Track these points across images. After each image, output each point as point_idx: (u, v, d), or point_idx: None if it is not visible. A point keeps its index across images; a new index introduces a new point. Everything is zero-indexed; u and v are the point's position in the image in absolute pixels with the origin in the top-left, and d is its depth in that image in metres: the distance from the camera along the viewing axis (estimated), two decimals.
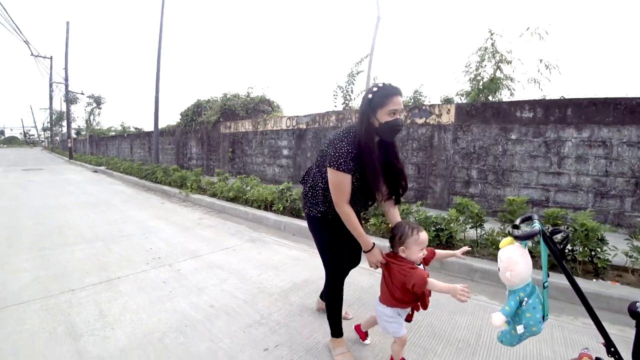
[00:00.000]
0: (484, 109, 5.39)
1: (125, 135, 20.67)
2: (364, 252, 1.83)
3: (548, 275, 1.46)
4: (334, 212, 1.80)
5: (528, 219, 1.60)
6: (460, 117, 5.60)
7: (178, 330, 2.09)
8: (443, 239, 3.41)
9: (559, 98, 5.20)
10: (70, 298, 2.49)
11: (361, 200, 1.85)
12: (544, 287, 1.43)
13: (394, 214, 1.91)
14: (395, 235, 1.71)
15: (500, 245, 1.52)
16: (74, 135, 31.02)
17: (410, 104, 6.32)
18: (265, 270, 3.13)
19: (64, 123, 37.22)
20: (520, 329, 1.42)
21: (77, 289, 2.65)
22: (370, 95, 1.64)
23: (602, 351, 1.40)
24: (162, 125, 13.79)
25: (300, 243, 4.07)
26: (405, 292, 1.63)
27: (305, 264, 3.32)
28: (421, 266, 1.69)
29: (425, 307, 1.71)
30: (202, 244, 3.94)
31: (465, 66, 6.29)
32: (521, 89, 6.25)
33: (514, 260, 1.43)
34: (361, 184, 1.75)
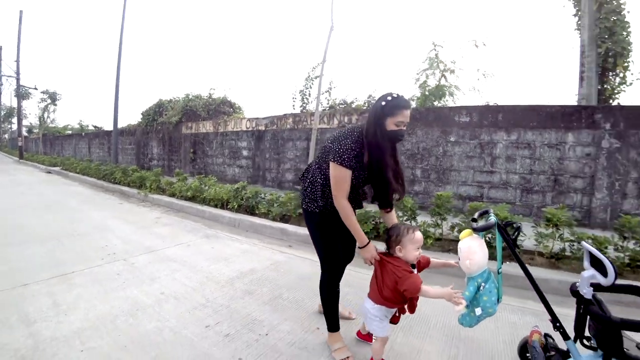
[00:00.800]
0: (427, 114, 5.93)
1: (83, 134, 19.88)
2: (359, 247, 1.86)
3: (502, 263, 1.64)
4: (332, 208, 1.84)
5: (485, 213, 1.75)
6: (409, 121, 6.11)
7: (129, 314, 2.32)
8: (381, 230, 3.83)
9: (492, 104, 5.83)
10: (23, 292, 2.62)
11: (357, 198, 1.93)
12: (498, 273, 1.58)
13: (392, 217, 2.00)
14: (392, 236, 1.75)
15: (460, 236, 1.65)
16: (25, 134, 29.30)
17: (363, 107, 6.79)
18: (216, 262, 3.39)
19: (15, 120, 35.10)
20: (478, 310, 1.56)
21: (30, 283, 2.77)
22: (383, 103, 1.72)
23: (550, 328, 1.58)
24: (122, 124, 13.52)
25: (252, 238, 4.34)
26: (395, 293, 1.67)
27: (254, 256, 3.61)
28: (415, 270, 1.73)
29: (412, 310, 1.76)
30: (157, 240, 4.12)
31: (416, 74, 6.87)
32: (462, 95, 6.91)
33: (473, 250, 1.57)
34: (358, 182, 1.82)
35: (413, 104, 7.16)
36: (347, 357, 1.87)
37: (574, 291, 1.50)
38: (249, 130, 8.58)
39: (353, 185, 1.80)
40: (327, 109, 7.43)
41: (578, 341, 1.50)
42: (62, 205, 6.27)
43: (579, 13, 8.28)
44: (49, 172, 13.06)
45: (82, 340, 1.99)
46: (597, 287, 1.43)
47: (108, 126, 20.12)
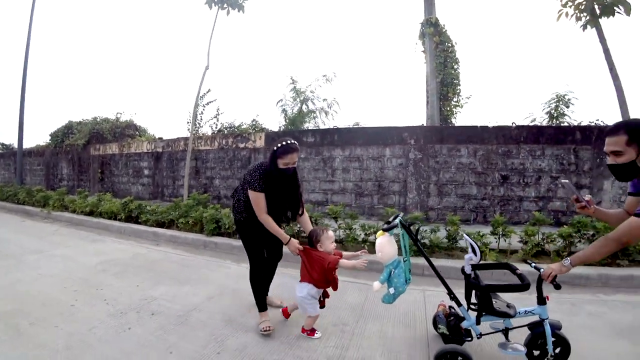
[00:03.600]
0: (284, 135, 7.80)
1: None
2: (284, 245, 2.54)
3: (407, 254, 2.21)
4: (254, 218, 2.52)
5: (395, 218, 2.26)
6: (268, 141, 7.98)
7: (9, 286, 3.67)
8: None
9: (330, 127, 7.90)
10: None
11: (277, 210, 2.58)
12: (404, 261, 2.15)
13: (305, 222, 2.73)
14: (312, 237, 2.49)
15: (377, 236, 2.21)
16: None
17: (235, 131, 8.56)
18: (91, 256, 4.72)
19: None
20: (392, 290, 2.10)
21: None
22: (275, 148, 2.41)
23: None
24: (32, 143, 13.90)
25: (131, 240, 5.76)
26: (321, 274, 2.35)
27: (123, 251, 5.03)
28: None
29: (335, 287, 2.45)
30: (50, 245, 5.35)
31: (278, 103, 8.82)
32: (318, 119, 9.00)
33: (382, 245, 2.12)
34: (271, 199, 2.50)
35: (282, 128, 9.09)
36: (269, 326, 2.53)
37: (462, 271, 2.11)
38: (149, 151, 9.92)
39: (269, 201, 2.50)
40: (216, 132, 9.07)
41: (467, 307, 2.11)
42: None
43: (424, 51, 10.85)
44: None
45: None
46: (475, 266, 2.07)
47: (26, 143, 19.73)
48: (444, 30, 10.54)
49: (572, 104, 9.17)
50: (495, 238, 4.36)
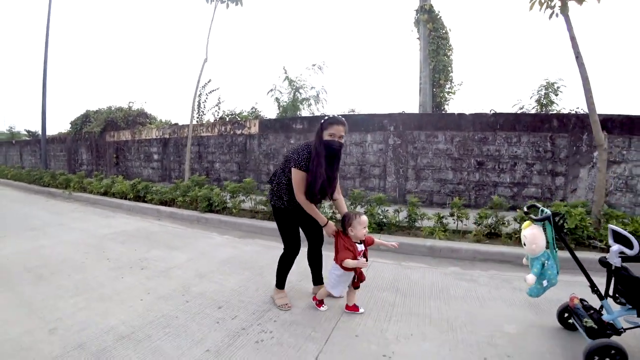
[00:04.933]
0: (275, 123, 8.58)
1: (14, 142, 20.93)
2: (322, 227, 2.59)
3: (554, 245, 2.17)
4: (294, 203, 2.53)
5: (532, 207, 2.30)
6: (262, 128, 8.74)
7: (37, 249, 4.62)
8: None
9: (317, 115, 8.57)
10: None
11: (307, 190, 2.50)
12: (554, 252, 2.14)
13: (340, 205, 2.74)
14: (344, 221, 2.51)
15: (523, 227, 2.17)
16: None
17: (233, 119, 9.37)
18: (102, 228, 5.71)
19: None
20: (545, 282, 2.10)
21: None
22: (322, 120, 2.46)
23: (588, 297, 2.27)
24: (55, 129, 15.18)
25: (137, 216, 6.72)
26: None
27: (129, 225, 5.99)
28: (362, 246, 2.50)
29: (361, 277, 2.55)
30: (69, 220, 6.37)
31: (269, 92, 9.56)
32: (313, 106, 9.69)
33: (537, 236, 2.06)
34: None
35: (278, 115, 9.83)
36: (286, 304, 2.68)
37: (604, 262, 2.01)
38: (157, 138, 10.89)
39: (309, 183, 2.45)
40: (218, 119, 9.92)
41: (610, 299, 2.03)
42: None
43: (419, 38, 11.23)
44: None
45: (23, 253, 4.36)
46: (624, 258, 1.93)
47: (50, 130, 21.31)
48: (438, 16, 10.76)
49: (561, 92, 9.46)
50: (453, 219, 4.86)
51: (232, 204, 6.04)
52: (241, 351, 2.17)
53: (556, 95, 9.66)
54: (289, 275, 2.89)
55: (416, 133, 7.61)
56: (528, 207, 2.48)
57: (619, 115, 6.92)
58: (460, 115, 7.56)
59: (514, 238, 4.41)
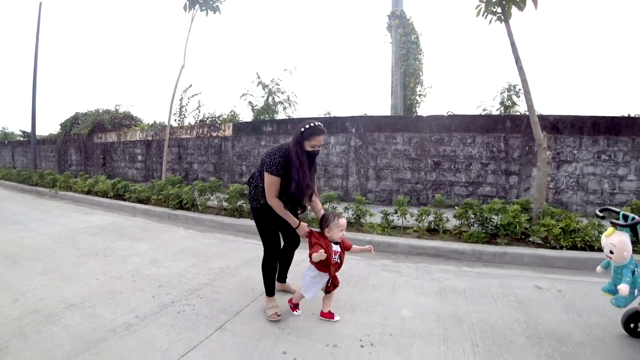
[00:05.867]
0: (248, 126, 9.20)
1: (6, 142, 21.56)
2: (295, 229, 2.58)
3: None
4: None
5: (605, 210, 2.27)
6: (235, 131, 9.36)
7: (18, 239, 5.23)
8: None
9: (285, 118, 9.19)
10: None
11: (289, 197, 2.54)
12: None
13: (316, 206, 2.76)
14: (322, 221, 2.53)
15: (606, 234, 2.12)
16: None
17: (211, 122, 9.99)
18: (78, 223, 6.30)
19: None
20: (635, 291, 2.04)
21: None
22: (302, 130, 2.42)
23: None
24: (46, 131, 15.80)
25: (114, 213, 7.35)
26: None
27: (103, 220, 6.61)
28: (337, 247, 2.50)
29: (334, 282, 2.56)
30: (51, 216, 6.98)
31: (242, 95, 10.20)
32: (288, 110, 10.32)
33: (626, 242, 2.02)
34: (287, 185, 2.48)
35: (247, 119, 10.47)
36: (276, 313, 2.60)
37: None
38: (141, 140, 11.51)
39: (283, 187, 2.50)
40: (198, 122, 10.54)
41: None
42: None
43: (391, 42, 11.82)
44: None
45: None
46: None
47: (41, 132, 21.98)
48: (410, 21, 11.38)
49: (521, 94, 10.08)
50: (397, 217, 5.26)
51: (200, 202, 6.66)
52: (163, 318, 2.75)
53: (518, 97, 10.31)
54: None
55: (376, 135, 8.21)
56: (601, 211, 2.39)
57: (569, 116, 7.39)
58: (418, 117, 8.17)
59: (454, 233, 4.84)
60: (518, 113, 10.26)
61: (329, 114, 9.86)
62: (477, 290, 3.32)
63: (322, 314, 2.67)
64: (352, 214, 5.56)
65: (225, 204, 6.48)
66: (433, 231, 5.07)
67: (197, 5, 8.79)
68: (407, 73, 11.32)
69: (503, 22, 5.14)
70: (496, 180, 7.79)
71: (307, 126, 2.46)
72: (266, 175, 2.50)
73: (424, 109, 12.12)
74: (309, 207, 2.91)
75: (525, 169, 7.59)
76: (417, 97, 11.72)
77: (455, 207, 5.08)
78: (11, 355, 2.20)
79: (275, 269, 2.76)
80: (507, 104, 10.39)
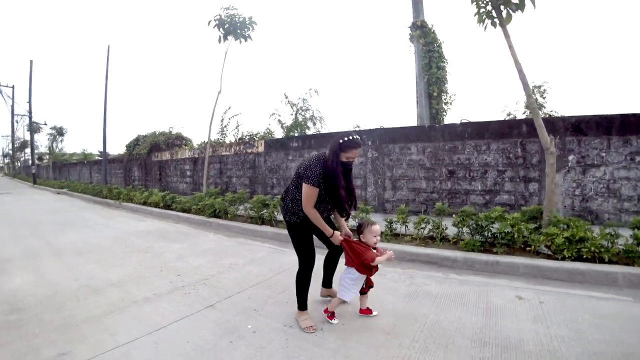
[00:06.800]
0: (277, 142, 10.22)
1: (86, 162, 25.06)
2: (329, 237, 2.72)
3: None
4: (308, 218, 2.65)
5: None
6: (267, 147, 10.43)
7: (90, 238, 6.63)
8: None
9: (309, 134, 10.07)
10: (47, 235, 7.05)
11: (325, 206, 2.76)
12: None
13: (342, 222, 2.93)
14: (359, 228, 2.79)
15: None
16: (37, 162, 35.00)
17: (247, 140, 11.20)
18: (133, 227, 7.65)
19: (27, 150, 41.08)
20: None
21: (50, 233, 7.21)
22: (340, 141, 2.56)
23: None
24: (116, 152, 18.32)
25: (162, 221, 8.70)
26: (361, 262, 2.61)
27: (152, 226, 7.91)
28: (375, 251, 2.68)
29: (369, 284, 2.81)
30: (112, 222, 8.47)
31: (272, 114, 11.30)
32: (318, 125, 11.24)
33: None
34: (325, 194, 2.67)
35: (279, 136, 11.51)
36: (311, 326, 2.70)
37: None
38: (189, 157, 13.13)
39: (321, 197, 2.65)
40: (237, 140, 11.86)
41: None
42: (66, 210, 10.84)
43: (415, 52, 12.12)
44: (58, 193, 17.93)
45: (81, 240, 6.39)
46: None
47: (113, 151, 25.33)
48: (431, 30, 11.51)
49: (547, 94, 9.98)
50: (399, 224, 5.47)
51: (230, 211, 7.74)
52: (173, 296, 3.62)
53: (543, 98, 10.16)
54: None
55: (391, 146, 8.71)
56: None
57: (594, 116, 6.90)
58: (430, 127, 8.54)
59: (452, 242, 4.89)
60: (545, 114, 10.10)
61: (358, 127, 10.55)
62: (451, 296, 3.43)
63: (361, 311, 2.95)
64: (356, 223, 6.14)
65: (251, 212, 7.45)
66: (433, 239, 5.12)
67: (230, 37, 9.98)
68: (431, 82, 11.46)
69: (499, 26, 5.10)
70: (514, 188, 7.60)
71: (345, 138, 2.57)
72: (305, 187, 2.60)
73: (451, 117, 12.26)
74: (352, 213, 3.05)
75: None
76: (444, 106, 11.86)
77: (453, 215, 5.10)
78: (67, 310, 3.26)
79: (309, 282, 2.83)
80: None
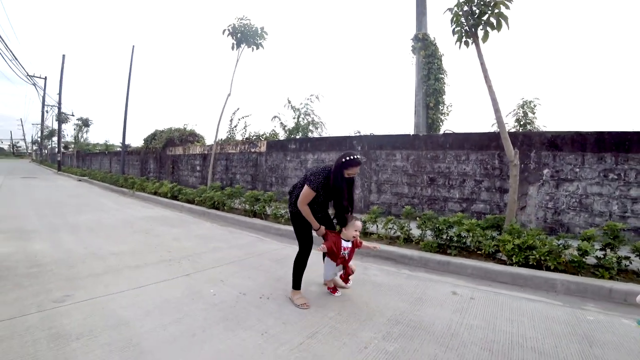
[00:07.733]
0: (277, 143, 11.11)
1: (107, 152, 26.63)
2: (315, 230, 3.22)
3: None
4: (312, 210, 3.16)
5: None
6: (268, 148, 11.34)
7: (102, 218, 7.69)
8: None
9: (304, 137, 10.91)
10: (67, 215, 8.14)
11: (320, 206, 3.30)
12: None
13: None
14: (345, 222, 3.24)
15: None
16: (62, 150, 37.07)
17: (250, 139, 12.16)
18: (140, 212, 8.66)
19: (54, 138, 43.47)
20: None
21: (69, 213, 8.30)
22: (343, 160, 3.04)
23: None
24: (136, 144, 19.69)
25: (168, 209, 9.69)
26: (331, 252, 3.11)
27: (158, 213, 8.91)
28: (348, 243, 3.21)
29: (347, 272, 3.33)
30: (124, 207, 9.49)
31: (273, 117, 12.20)
32: (320, 129, 12.10)
33: None
34: (323, 198, 3.22)
35: (281, 137, 12.42)
36: (304, 302, 3.15)
37: None
38: (200, 153, 14.21)
39: (318, 200, 3.20)
40: (244, 139, 12.85)
41: None
42: (85, 195, 12.03)
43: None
44: (80, 180, 19.38)
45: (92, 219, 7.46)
46: None
47: (133, 143, 26.84)
48: (433, 43, 12.07)
49: (536, 110, 10.45)
50: (370, 224, 6.05)
51: (227, 204, 8.69)
52: (159, 266, 4.48)
53: (533, 113, 10.64)
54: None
55: (378, 152, 9.44)
56: None
57: (569, 132, 7.21)
58: (415, 136, 9.19)
59: (415, 242, 5.36)
60: (531, 129, 10.60)
61: (358, 132, 11.31)
62: (392, 286, 3.84)
63: (328, 288, 3.55)
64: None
65: (245, 206, 8.36)
66: (398, 239, 5.51)
67: (243, 45, 10.85)
68: (428, 93, 12.04)
69: (472, 45, 5.60)
70: (490, 198, 8.04)
71: (347, 158, 3.05)
72: (306, 188, 3.11)
73: (446, 128, 12.87)
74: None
75: (521, 187, 7.46)
76: (440, 116, 12.44)
77: (417, 218, 5.54)
78: (75, 269, 4.19)
79: (305, 266, 3.29)
80: (523, 121, 10.81)
